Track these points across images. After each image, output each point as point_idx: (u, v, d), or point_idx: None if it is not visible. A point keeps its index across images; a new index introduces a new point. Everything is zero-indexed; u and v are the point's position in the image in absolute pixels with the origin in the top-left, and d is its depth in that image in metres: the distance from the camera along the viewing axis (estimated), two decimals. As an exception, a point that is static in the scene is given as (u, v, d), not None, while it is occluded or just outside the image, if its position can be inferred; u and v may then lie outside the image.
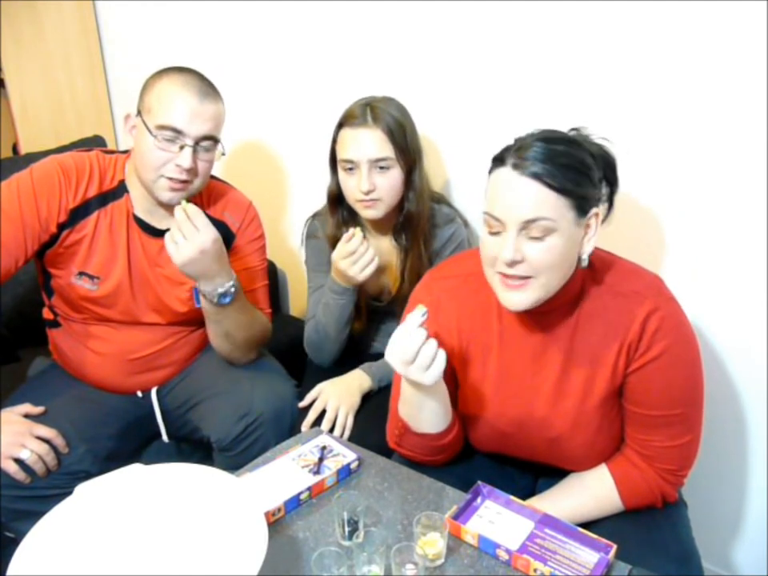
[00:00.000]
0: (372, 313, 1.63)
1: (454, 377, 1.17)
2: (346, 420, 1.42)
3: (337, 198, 1.51)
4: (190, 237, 1.25)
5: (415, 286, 1.29)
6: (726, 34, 1.20)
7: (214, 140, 1.31)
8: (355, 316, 1.56)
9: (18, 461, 1.27)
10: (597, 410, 1.08)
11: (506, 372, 1.13)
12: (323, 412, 1.43)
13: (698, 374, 1.07)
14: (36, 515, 0.88)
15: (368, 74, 1.69)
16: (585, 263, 1.03)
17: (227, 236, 1.40)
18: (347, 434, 1.41)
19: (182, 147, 1.26)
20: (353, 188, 1.41)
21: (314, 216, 1.61)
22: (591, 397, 1.08)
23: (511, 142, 1.01)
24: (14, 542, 0.88)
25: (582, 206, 0.97)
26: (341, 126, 1.43)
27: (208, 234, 1.26)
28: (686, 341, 1.05)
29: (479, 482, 1.08)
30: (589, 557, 0.95)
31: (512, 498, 1.05)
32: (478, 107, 1.55)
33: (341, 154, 1.42)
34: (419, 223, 1.47)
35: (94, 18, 2.24)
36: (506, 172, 0.97)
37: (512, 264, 0.97)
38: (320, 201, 1.65)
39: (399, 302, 1.54)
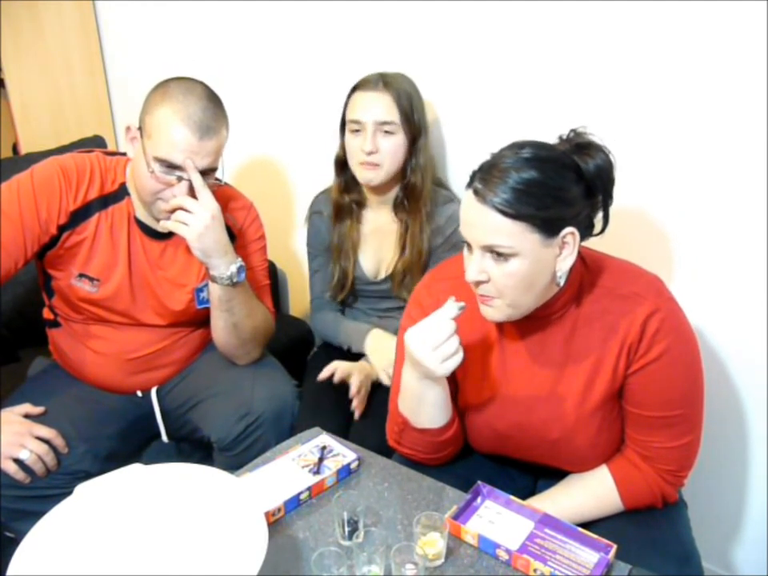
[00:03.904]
0: (366, 296, 1.66)
1: (453, 377, 1.16)
2: (365, 397, 1.48)
3: (342, 163, 1.56)
4: (195, 209, 1.26)
5: (416, 257, 1.40)
6: (726, 34, 1.20)
7: (212, 169, 1.31)
8: (340, 286, 1.63)
9: (18, 461, 1.27)
10: (596, 412, 1.08)
11: (506, 374, 1.13)
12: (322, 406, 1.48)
13: (698, 374, 1.07)
14: (36, 515, 0.88)
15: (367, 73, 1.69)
16: (561, 281, 1.02)
17: (229, 236, 1.40)
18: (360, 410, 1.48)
19: (179, 179, 1.26)
20: (356, 149, 1.47)
21: (323, 192, 1.66)
22: (591, 399, 1.07)
23: (488, 156, 1.02)
24: (14, 542, 0.88)
25: (550, 227, 0.96)
26: (354, 90, 1.49)
27: (211, 201, 1.28)
28: (685, 342, 1.05)
29: (479, 482, 1.08)
30: (589, 557, 0.95)
31: (512, 497, 1.05)
32: (479, 98, 1.55)
33: (349, 115, 1.48)
34: (421, 195, 1.50)
35: (93, 18, 2.24)
36: (469, 196, 0.99)
37: (477, 284, 1.01)
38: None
39: (395, 280, 1.57)
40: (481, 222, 0.96)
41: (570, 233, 0.98)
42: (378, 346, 1.55)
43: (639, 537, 1.05)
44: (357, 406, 1.46)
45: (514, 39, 1.46)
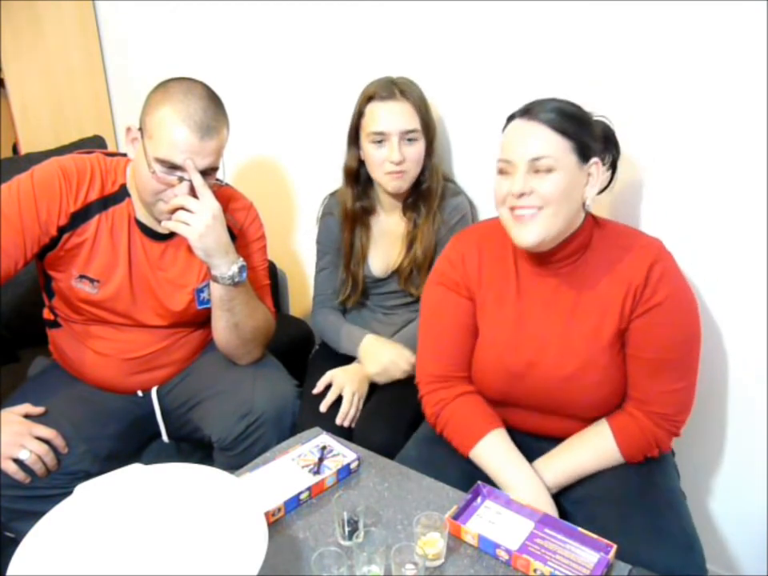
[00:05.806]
0: (372, 293, 1.67)
1: (476, 327, 1.26)
2: (359, 406, 1.47)
3: (353, 174, 1.55)
4: (197, 208, 1.26)
5: (424, 253, 1.51)
6: (728, 21, 1.20)
7: (213, 169, 1.31)
8: (351, 292, 1.63)
9: (18, 461, 1.26)
10: (605, 351, 1.16)
11: (521, 316, 1.22)
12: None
13: (695, 324, 1.17)
14: (36, 515, 0.88)
15: (367, 75, 1.69)
16: (589, 208, 1.17)
17: (230, 237, 1.40)
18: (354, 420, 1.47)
19: (180, 179, 1.26)
20: (381, 159, 1.47)
21: (333, 194, 1.66)
22: (600, 339, 1.16)
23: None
24: (14, 542, 0.88)
25: (583, 152, 1.11)
26: (369, 99, 1.48)
27: (212, 200, 1.28)
28: (685, 292, 1.16)
29: (479, 482, 1.08)
30: (589, 557, 0.95)
31: (512, 497, 1.05)
32: (482, 93, 1.56)
33: (370, 127, 1.47)
34: (435, 195, 1.53)
35: (94, 18, 2.24)
36: (516, 122, 1.14)
37: (521, 196, 1.10)
38: (320, 202, 1.67)
39: (402, 276, 1.59)
40: (530, 136, 1.10)
41: (595, 163, 1.13)
42: (370, 352, 1.55)
43: (644, 525, 1.07)
44: (346, 420, 1.45)
45: (512, 34, 1.46)
